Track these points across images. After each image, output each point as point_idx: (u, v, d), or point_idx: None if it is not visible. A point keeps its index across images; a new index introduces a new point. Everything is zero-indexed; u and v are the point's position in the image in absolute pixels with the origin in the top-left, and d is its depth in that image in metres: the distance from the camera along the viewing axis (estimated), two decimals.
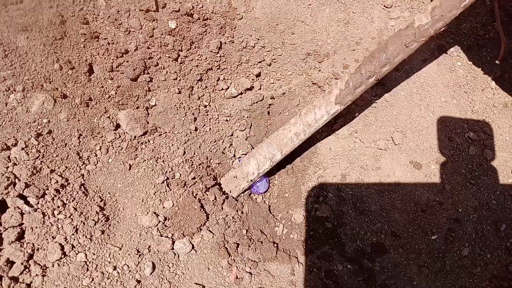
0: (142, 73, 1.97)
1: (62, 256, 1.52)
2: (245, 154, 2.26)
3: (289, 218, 2.23)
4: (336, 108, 1.86)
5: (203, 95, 2.16)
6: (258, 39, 2.22)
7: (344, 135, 2.33)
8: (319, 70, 2.31)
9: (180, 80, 2.08)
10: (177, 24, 2.02)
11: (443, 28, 1.72)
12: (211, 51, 2.14)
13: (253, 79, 2.29)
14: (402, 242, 2.14)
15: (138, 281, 1.61)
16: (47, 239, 1.53)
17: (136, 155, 1.85)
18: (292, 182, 2.34)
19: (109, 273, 1.55)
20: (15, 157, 1.61)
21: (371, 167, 2.25)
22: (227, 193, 2.09)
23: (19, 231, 1.52)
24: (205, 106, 2.17)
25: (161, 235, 1.70)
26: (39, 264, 1.50)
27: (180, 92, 2.06)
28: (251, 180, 2.05)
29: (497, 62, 2.17)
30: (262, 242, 1.99)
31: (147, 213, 1.71)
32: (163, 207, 1.76)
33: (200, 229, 1.76)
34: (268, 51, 2.26)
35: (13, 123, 1.65)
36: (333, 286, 2.07)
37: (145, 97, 1.98)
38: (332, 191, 2.26)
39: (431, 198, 2.18)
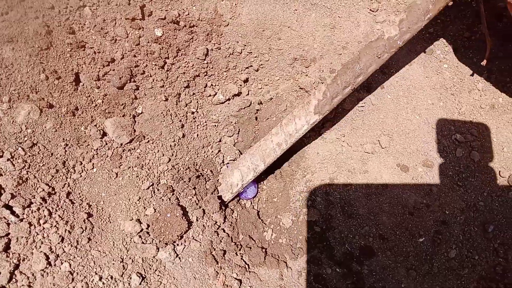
0: (128, 81, 1.98)
1: (47, 266, 1.53)
2: (234, 160, 2.27)
3: (278, 222, 2.24)
4: (315, 117, 1.93)
5: (191, 101, 2.18)
6: (245, 45, 2.23)
7: (332, 139, 2.34)
8: (306, 75, 2.32)
9: (167, 87, 2.10)
10: (163, 31, 2.04)
11: (410, 37, 1.82)
12: (198, 58, 2.16)
13: (240, 85, 2.30)
14: (390, 245, 2.15)
15: None
16: (33, 249, 1.54)
17: (121, 163, 1.86)
18: (281, 187, 2.35)
19: (95, 283, 1.57)
20: (1, 168, 1.63)
21: (359, 170, 2.27)
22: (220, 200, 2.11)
23: (6, 241, 1.53)
24: (193, 113, 2.18)
25: (144, 242, 1.71)
26: (25, 274, 1.51)
27: (167, 99, 2.08)
28: (235, 192, 2.08)
29: (483, 63, 2.18)
30: (250, 248, 2.00)
31: (131, 219, 1.73)
32: (145, 214, 1.77)
33: (181, 237, 1.77)
34: (255, 56, 2.28)
35: None
36: None
37: (132, 105, 1.99)
38: (320, 195, 2.28)
39: (419, 201, 2.20)
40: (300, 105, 1.97)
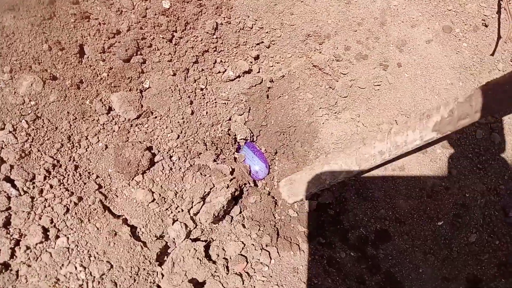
0: (135, 54, 1.89)
1: (43, 240, 1.46)
2: (244, 139, 2.19)
3: (288, 204, 2.16)
4: (432, 135, 1.67)
5: (199, 78, 2.08)
6: (256, 20, 2.14)
7: (346, 119, 2.25)
8: (320, 52, 2.23)
9: (175, 62, 2.01)
10: (171, 3, 1.94)
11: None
12: (207, 32, 2.06)
13: (251, 62, 2.21)
14: (407, 229, 2.07)
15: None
16: (34, 223, 1.46)
17: (128, 138, 1.78)
18: (293, 168, 2.26)
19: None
20: (2, 141, 1.55)
21: None
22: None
23: (6, 216, 1.45)
24: (202, 89, 2.09)
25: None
26: (26, 251, 1.44)
27: (175, 74, 1.99)
28: (318, 189, 1.93)
29: (505, 42, 2.08)
30: (263, 227, 1.93)
31: (143, 188, 1.66)
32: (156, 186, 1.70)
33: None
34: (267, 32, 2.18)
35: (0, 105, 1.58)
36: (335, 274, 2.00)
37: (139, 79, 1.91)
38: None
39: (437, 183, 2.10)
40: (418, 116, 1.71)
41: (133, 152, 1.69)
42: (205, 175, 1.84)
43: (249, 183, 1.99)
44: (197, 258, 1.74)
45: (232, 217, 1.92)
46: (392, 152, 1.77)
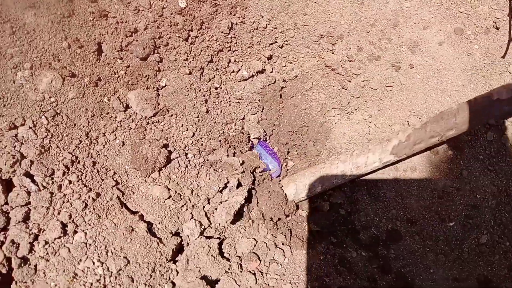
0: (152, 53, 1.91)
1: (62, 235, 1.48)
2: (258, 138, 2.20)
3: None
4: (390, 158, 1.84)
5: (214, 77, 2.10)
6: (270, 20, 2.16)
7: (358, 120, 2.26)
8: (333, 53, 2.24)
9: (190, 61, 2.02)
10: (187, 3, 1.96)
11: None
12: (222, 32, 2.08)
13: (264, 62, 2.23)
14: (418, 229, 2.08)
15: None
16: (54, 219, 1.48)
17: (145, 135, 1.79)
18: (305, 167, 2.28)
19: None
20: (23, 136, 1.57)
21: None
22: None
23: (26, 210, 1.47)
24: (216, 88, 2.11)
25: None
26: (44, 245, 1.45)
27: (190, 73, 2.01)
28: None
29: None
30: (277, 228, 1.94)
31: (159, 185, 1.68)
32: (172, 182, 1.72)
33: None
34: (280, 32, 2.20)
35: (21, 101, 1.60)
36: (347, 273, 2.01)
37: (155, 77, 1.92)
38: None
39: (448, 184, 2.12)
40: (379, 141, 1.92)
41: (150, 149, 1.71)
42: (217, 170, 1.85)
43: (259, 166, 2.00)
44: (211, 255, 1.75)
45: (246, 215, 1.93)
46: (353, 172, 1.91)
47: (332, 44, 2.23)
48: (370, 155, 1.86)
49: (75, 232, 1.55)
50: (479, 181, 2.11)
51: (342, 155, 1.93)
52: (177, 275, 1.70)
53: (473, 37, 2.32)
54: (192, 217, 1.76)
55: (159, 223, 1.70)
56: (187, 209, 1.74)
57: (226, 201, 1.78)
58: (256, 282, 1.78)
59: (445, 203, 2.09)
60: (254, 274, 1.78)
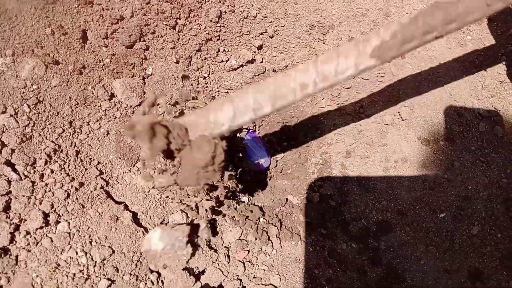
0: (138, 40, 1.87)
1: (52, 225, 1.45)
2: (247, 129, 2.17)
3: (289, 196, 2.15)
4: (370, 62, 1.28)
5: (202, 66, 2.07)
6: (260, 9, 2.12)
7: (349, 111, 2.24)
8: (324, 43, 2.21)
9: (178, 49, 1.99)
10: None
11: None
12: (211, 21, 2.04)
13: (254, 52, 2.20)
14: (409, 220, 2.06)
15: None
16: (36, 208, 1.45)
17: None
18: (295, 159, 2.25)
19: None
20: (4, 124, 1.53)
21: (377, 143, 2.17)
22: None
23: (6, 200, 1.44)
24: (204, 78, 2.08)
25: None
26: (26, 236, 1.42)
27: (178, 62, 1.97)
28: (214, 134, 1.33)
29: (510, 33, 2.07)
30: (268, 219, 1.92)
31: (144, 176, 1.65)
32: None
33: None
34: (270, 22, 2.16)
35: (2, 88, 1.57)
36: (336, 265, 2.00)
37: (141, 65, 1.89)
38: (336, 168, 2.18)
39: (440, 175, 2.10)
40: (353, 40, 1.31)
41: None
42: None
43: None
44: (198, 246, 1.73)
45: (238, 203, 1.91)
46: (318, 85, 1.31)
47: (323, 34, 2.20)
48: (341, 60, 1.28)
49: (57, 222, 1.53)
50: (471, 172, 2.09)
51: (301, 64, 1.34)
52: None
53: (465, 28, 2.29)
54: (177, 207, 1.73)
55: (143, 213, 1.67)
56: (172, 200, 1.72)
57: None
58: (244, 271, 1.77)
59: (436, 194, 2.07)
60: (243, 264, 1.76)
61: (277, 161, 2.27)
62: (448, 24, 1.26)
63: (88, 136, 1.70)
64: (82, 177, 1.62)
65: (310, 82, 1.31)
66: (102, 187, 1.64)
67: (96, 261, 1.51)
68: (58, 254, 1.49)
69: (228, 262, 1.74)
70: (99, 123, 1.73)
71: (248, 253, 1.77)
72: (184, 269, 1.62)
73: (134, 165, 1.72)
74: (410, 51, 1.31)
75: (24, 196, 1.48)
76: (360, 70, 1.31)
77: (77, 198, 1.56)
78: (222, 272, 1.70)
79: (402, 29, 1.27)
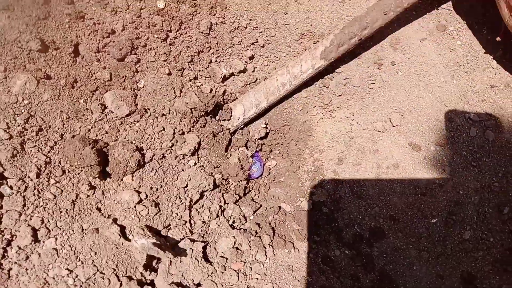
0: (129, 54, 1.90)
1: (42, 241, 1.46)
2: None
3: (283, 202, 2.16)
4: (321, 63, 2.03)
5: (195, 77, 2.09)
6: (251, 20, 2.15)
7: (341, 117, 2.26)
8: None
9: (170, 62, 2.02)
10: (165, 3, 1.95)
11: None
12: (202, 32, 2.07)
13: (246, 62, 2.22)
14: (401, 226, 2.07)
15: None
16: (25, 224, 1.47)
17: (117, 137, 1.78)
18: (287, 166, 2.27)
19: None
20: None
21: (369, 149, 2.18)
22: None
23: None
24: (198, 87, 2.10)
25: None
26: (18, 251, 1.44)
27: (170, 74, 2.00)
28: (236, 126, 2.12)
29: (498, 39, 2.09)
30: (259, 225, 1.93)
31: (129, 189, 1.67)
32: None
33: None
34: (261, 32, 2.19)
35: None
36: (330, 272, 2.01)
37: (133, 78, 1.92)
38: (329, 175, 2.20)
39: (431, 181, 2.11)
40: (308, 50, 2.09)
41: (122, 153, 1.69)
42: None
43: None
44: (195, 259, 1.73)
45: (230, 215, 1.93)
46: (292, 82, 2.08)
47: (314, 43, 2.22)
48: (303, 63, 2.05)
49: (46, 237, 1.53)
50: (462, 177, 2.11)
51: (280, 70, 2.12)
52: (156, 277, 1.68)
53: (455, 33, 2.31)
54: (169, 225, 1.74)
55: (130, 228, 1.68)
56: (160, 215, 1.73)
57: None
58: (238, 279, 1.77)
59: (428, 200, 2.08)
60: (237, 273, 1.77)
61: (269, 169, 2.29)
62: (363, 30, 1.96)
63: None
64: (72, 191, 1.63)
65: (287, 81, 2.09)
66: (91, 201, 1.65)
67: (82, 278, 1.51)
68: (46, 271, 1.49)
69: (223, 272, 1.75)
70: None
71: (244, 264, 1.78)
72: (178, 284, 1.63)
73: (121, 179, 1.74)
74: (345, 51, 2.02)
75: (15, 211, 1.49)
76: (316, 69, 2.06)
77: (66, 213, 1.58)
78: (216, 285, 1.71)
79: (336, 37, 1.99)
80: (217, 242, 1.84)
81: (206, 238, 1.85)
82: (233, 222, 1.92)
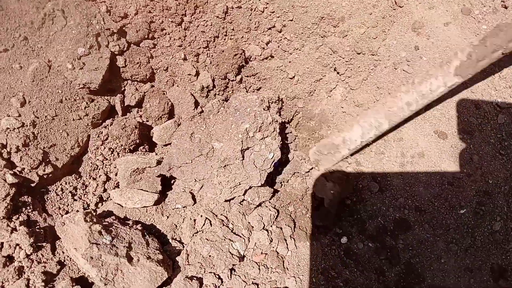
0: (146, 37, 1.81)
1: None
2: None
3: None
4: (455, 80, 1.74)
5: (210, 63, 2.01)
6: (267, 3, 2.06)
7: (363, 101, 2.16)
8: (334, 35, 2.14)
9: (185, 47, 1.93)
10: None
11: None
12: (217, 17, 1.99)
13: (263, 48, 2.13)
14: (428, 218, 1.98)
15: None
16: None
17: None
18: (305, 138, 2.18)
19: None
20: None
21: (393, 138, 2.09)
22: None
23: None
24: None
25: None
26: None
27: (185, 59, 1.92)
28: (353, 149, 1.93)
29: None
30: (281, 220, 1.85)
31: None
32: None
33: None
34: (278, 16, 2.10)
35: None
36: (353, 265, 1.93)
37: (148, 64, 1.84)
38: (351, 165, 2.11)
39: (458, 170, 2.01)
40: (438, 64, 1.80)
41: None
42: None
43: None
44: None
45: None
46: (419, 102, 1.80)
47: (334, 27, 2.13)
48: (433, 80, 1.77)
49: None
50: (491, 166, 2.01)
51: (403, 86, 1.83)
52: None
53: (481, 17, 2.20)
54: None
55: None
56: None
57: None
58: (259, 272, 1.70)
59: (456, 190, 1.99)
60: (258, 266, 1.70)
61: (292, 157, 2.20)
62: (510, 42, 1.62)
63: None
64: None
65: (413, 100, 1.80)
66: None
67: None
68: None
69: (245, 264, 1.68)
70: None
71: (266, 256, 1.70)
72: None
73: None
74: (483, 67, 1.75)
75: None
76: (449, 87, 1.79)
77: None
78: (240, 277, 1.64)
79: (474, 50, 1.69)
80: (251, 236, 1.76)
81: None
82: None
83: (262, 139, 1.70)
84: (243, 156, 1.68)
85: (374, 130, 1.87)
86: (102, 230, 1.46)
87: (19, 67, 1.57)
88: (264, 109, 1.75)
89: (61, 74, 1.63)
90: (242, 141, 1.65)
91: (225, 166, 1.68)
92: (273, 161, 1.73)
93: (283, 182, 2.09)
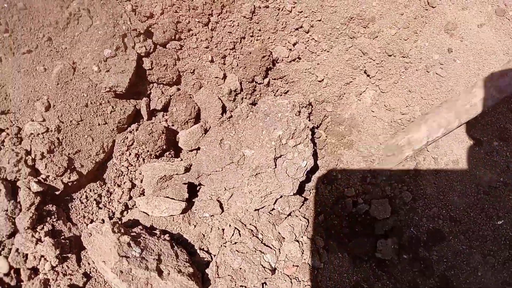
0: (173, 38, 1.74)
1: None
2: None
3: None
4: None
5: (237, 65, 1.93)
6: (295, 3, 1.98)
7: (395, 105, 2.08)
8: (364, 36, 2.06)
9: (212, 49, 1.85)
10: None
11: None
12: (244, 17, 1.91)
13: (290, 49, 2.05)
14: (463, 228, 1.90)
15: None
16: None
17: None
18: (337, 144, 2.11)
19: None
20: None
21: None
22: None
23: None
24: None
25: None
26: None
27: (212, 61, 1.84)
28: (417, 149, 1.85)
29: None
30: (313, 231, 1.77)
31: None
32: None
33: None
34: (306, 16, 2.02)
35: None
36: (385, 278, 1.85)
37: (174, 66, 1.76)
38: (382, 172, 2.03)
39: (494, 179, 1.93)
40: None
41: None
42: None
43: None
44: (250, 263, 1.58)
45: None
46: (495, 96, 1.70)
47: (364, 27, 2.05)
48: None
49: None
50: None
51: (479, 81, 1.71)
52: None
53: None
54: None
55: None
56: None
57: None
58: (291, 287, 1.62)
59: (492, 199, 1.90)
60: (290, 279, 1.62)
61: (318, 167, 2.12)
62: None
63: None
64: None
65: (489, 95, 1.69)
66: None
67: None
68: None
69: (276, 277, 1.60)
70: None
71: (297, 268, 1.62)
72: None
73: None
74: None
75: None
76: None
77: None
78: None
79: None
80: (281, 248, 1.69)
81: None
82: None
83: (294, 146, 1.62)
84: (275, 164, 1.61)
85: (443, 130, 1.79)
86: (130, 241, 1.39)
87: (43, 69, 1.50)
88: (296, 115, 1.67)
89: (86, 76, 1.56)
90: (275, 148, 1.57)
91: (256, 174, 1.60)
92: (306, 169, 1.66)
93: (311, 190, 2.01)
